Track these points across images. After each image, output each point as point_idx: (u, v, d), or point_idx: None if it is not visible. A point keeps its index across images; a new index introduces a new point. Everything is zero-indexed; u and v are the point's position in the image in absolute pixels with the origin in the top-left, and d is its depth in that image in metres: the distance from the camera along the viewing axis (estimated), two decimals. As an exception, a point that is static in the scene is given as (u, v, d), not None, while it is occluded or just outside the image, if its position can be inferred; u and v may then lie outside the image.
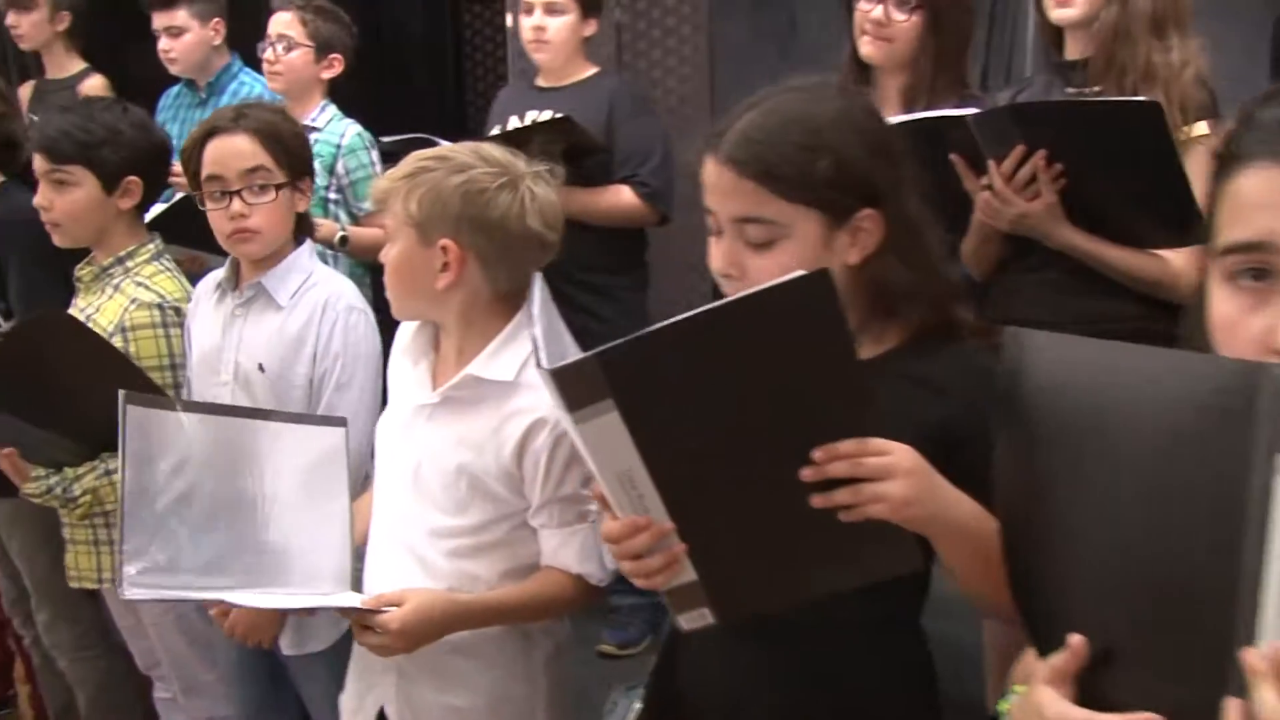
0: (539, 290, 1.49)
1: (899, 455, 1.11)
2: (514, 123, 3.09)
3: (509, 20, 4.09)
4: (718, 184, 1.29)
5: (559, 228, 1.71)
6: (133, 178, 2.27)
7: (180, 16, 3.39)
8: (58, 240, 2.28)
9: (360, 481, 1.96)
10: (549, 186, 1.69)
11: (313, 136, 2.74)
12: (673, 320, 1.05)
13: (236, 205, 2.04)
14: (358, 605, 1.68)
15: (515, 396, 1.66)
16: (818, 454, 1.08)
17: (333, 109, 3.18)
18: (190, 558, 1.73)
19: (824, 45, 3.92)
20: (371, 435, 1.89)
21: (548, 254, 1.71)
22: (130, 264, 2.28)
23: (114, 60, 3.82)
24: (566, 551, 1.69)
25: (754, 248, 1.27)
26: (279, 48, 3.11)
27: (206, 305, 2.18)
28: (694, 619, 1.23)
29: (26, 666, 3.00)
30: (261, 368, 2.07)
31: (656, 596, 3.37)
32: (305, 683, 2.19)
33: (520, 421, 1.65)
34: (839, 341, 1.08)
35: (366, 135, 3.14)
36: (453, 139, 1.94)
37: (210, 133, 2.06)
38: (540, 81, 3.17)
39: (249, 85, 3.45)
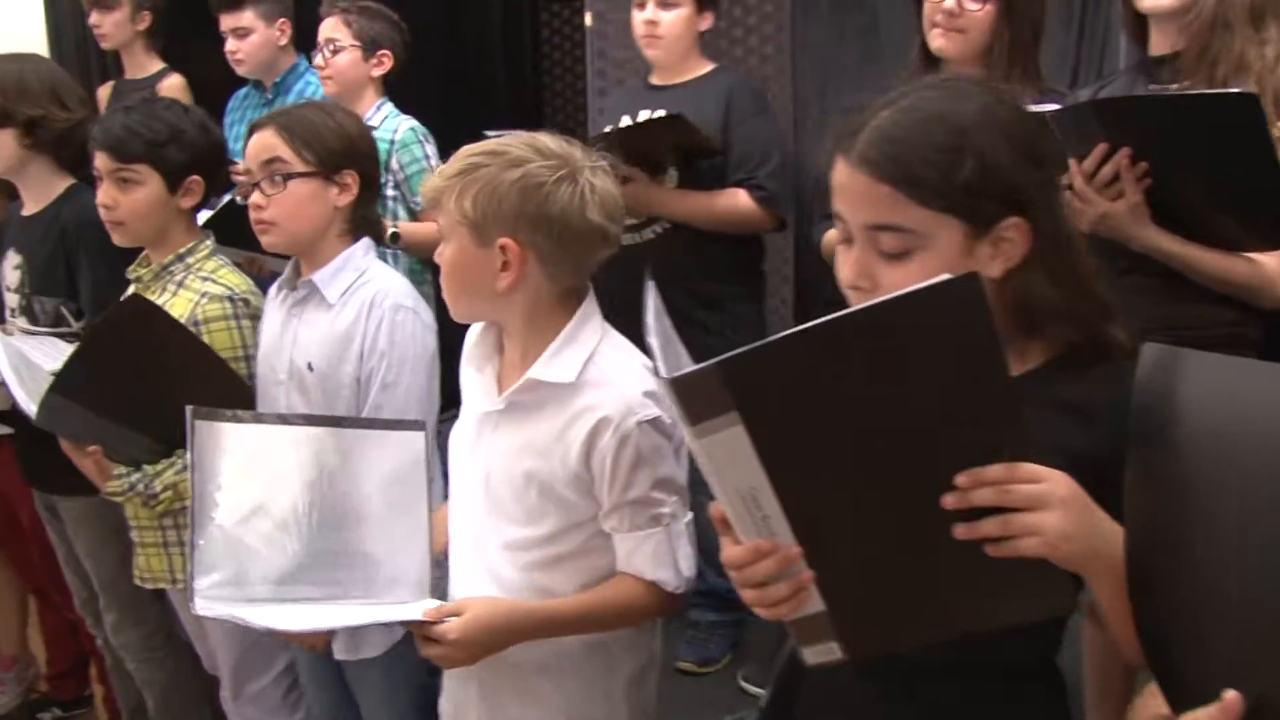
0: (653, 297, 1.40)
1: (1054, 483, 1.01)
2: (626, 123, 3.01)
3: (588, 19, 4.03)
4: (850, 188, 1.18)
5: (621, 220, 1.64)
6: (195, 177, 2.27)
7: (246, 17, 3.42)
8: (118, 239, 2.28)
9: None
10: (608, 176, 1.62)
11: (370, 135, 2.70)
12: (804, 326, 0.96)
13: (254, 196, 2.03)
14: (418, 618, 1.63)
15: (578, 397, 1.60)
16: (962, 479, 1.00)
17: (389, 106, 3.16)
18: (263, 571, 1.70)
19: (907, 45, 3.82)
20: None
21: (610, 248, 1.64)
22: (190, 260, 2.27)
23: (190, 60, 3.84)
24: (639, 557, 1.63)
25: (888, 258, 1.17)
26: (326, 51, 3.14)
27: (273, 305, 2.17)
28: (820, 653, 1.14)
29: (99, 667, 3.01)
30: (311, 367, 2.04)
31: (737, 613, 3.29)
32: (360, 689, 2.16)
33: (585, 422, 1.58)
34: (989, 354, 0.98)
35: (420, 129, 3.12)
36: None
37: (251, 130, 2.07)
38: (654, 79, 3.09)
39: (314, 85, 3.44)
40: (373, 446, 1.83)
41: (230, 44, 3.43)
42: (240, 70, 3.49)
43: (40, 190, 2.53)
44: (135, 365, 1.96)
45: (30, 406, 2.04)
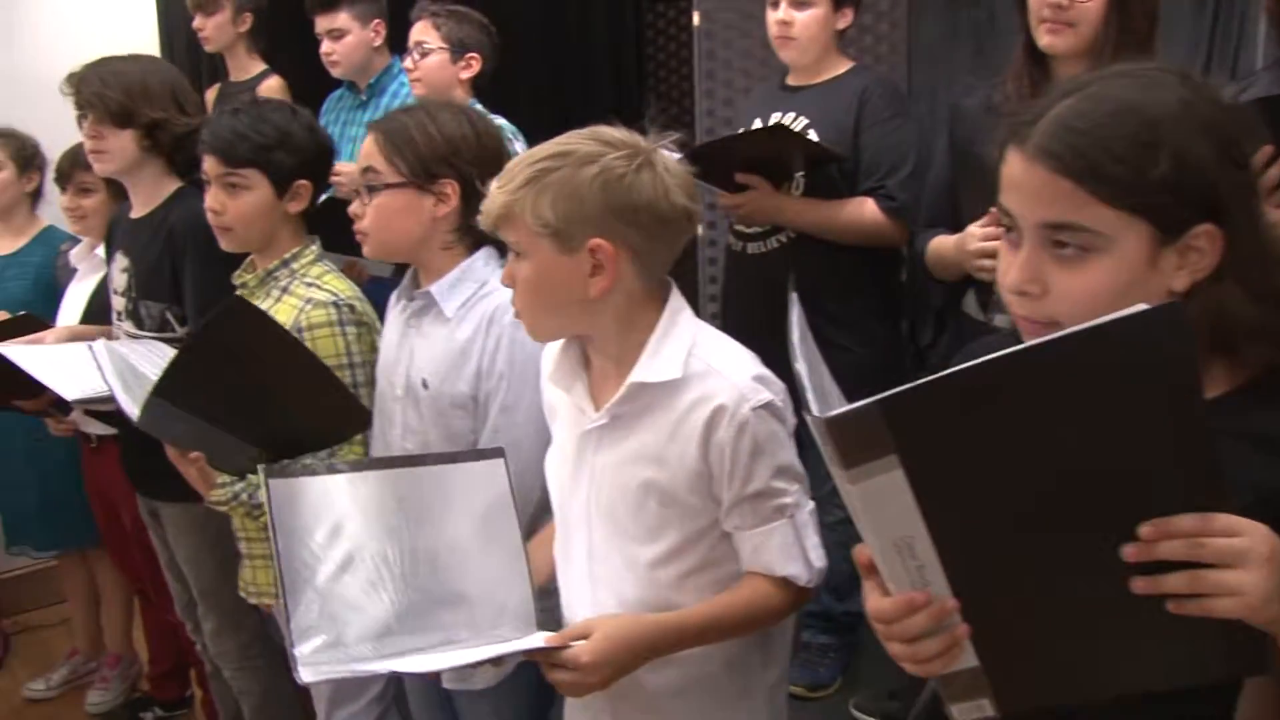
0: (798, 316, 1.29)
1: (1254, 538, 0.90)
2: (758, 125, 2.90)
3: (695, 19, 3.94)
4: (1024, 182, 1.07)
5: (699, 199, 1.54)
6: (303, 181, 2.21)
7: (341, 19, 3.41)
8: (226, 244, 2.23)
9: (533, 512, 1.81)
10: (674, 154, 1.52)
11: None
12: (975, 363, 0.88)
13: (355, 204, 1.95)
14: (541, 645, 1.54)
15: (686, 392, 1.51)
16: (1147, 529, 0.91)
17: (478, 109, 3.10)
18: (363, 627, 1.60)
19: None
20: (543, 460, 1.74)
21: (693, 229, 1.55)
22: (295, 265, 2.21)
23: (289, 62, 3.84)
24: (766, 552, 1.54)
25: (1061, 261, 1.06)
26: (416, 54, 3.13)
27: (392, 314, 2.07)
28: (970, 710, 1.05)
29: (199, 671, 3.00)
30: (425, 384, 1.94)
31: (850, 636, 3.13)
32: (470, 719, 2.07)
33: (698, 415, 1.50)
34: (1187, 392, 0.88)
35: (510, 128, 3.05)
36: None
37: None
38: (790, 80, 2.97)
39: (408, 87, 3.40)
40: (455, 481, 1.72)
41: (325, 45, 3.43)
42: (335, 72, 3.48)
43: (150, 193, 2.51)
44: (238, 371, 1.89)
45: (133, 410, 1.99)
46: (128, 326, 2.49)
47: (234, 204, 2.17)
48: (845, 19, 2.86)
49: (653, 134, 1.51)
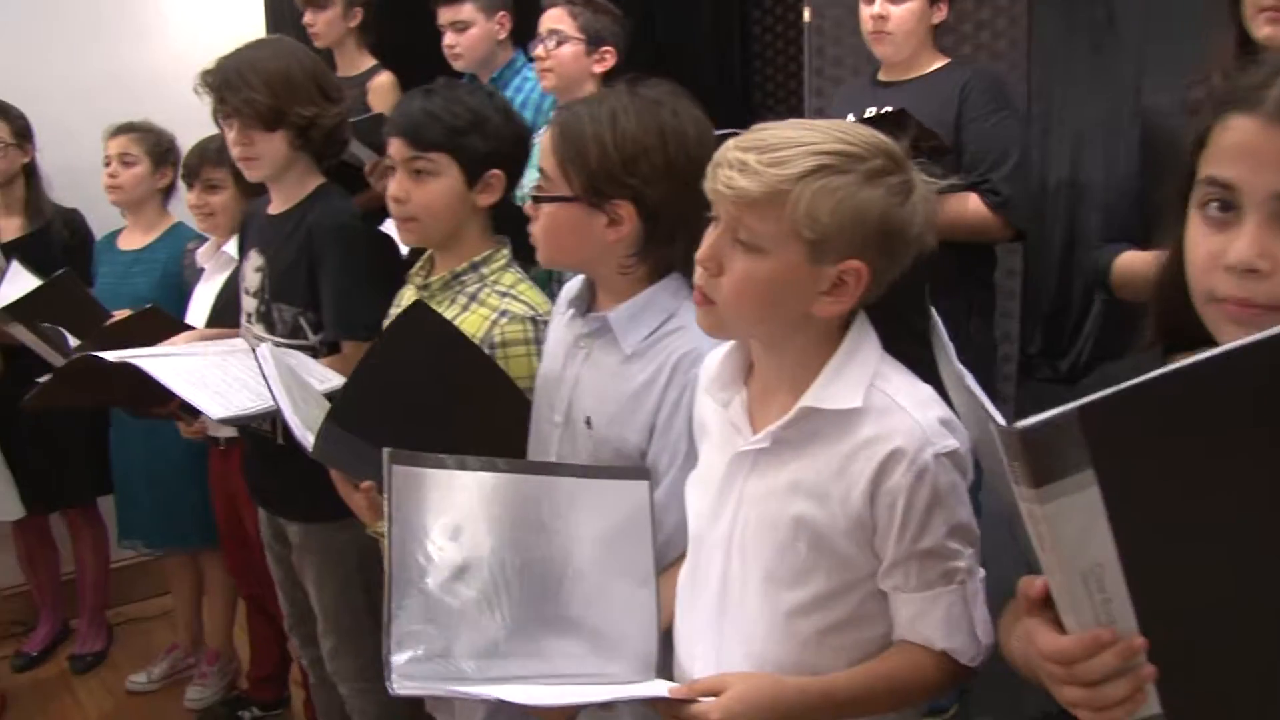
0: (942, 333, 1.20)
1: None
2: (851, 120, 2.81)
3: (806, 15, 3.85)
4: (1261, 149, 0.98)
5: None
6: (495, 171, 2.03)
7: (466, 10, 3.35)
8: (407, 238, 2.09)
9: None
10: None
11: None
12: (1188, 362, 0.78)
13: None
14: (665, 694, 1.38)
15: (862, 426, 1.34)
16: None
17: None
18: (468, 642, 1.44)
19: (1143, 38, 3.53)
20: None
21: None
22: (486, 270, 2.04)
23: (396, 57, 3.80)
24: (928, 622, 1.36)
25: None
26: (549, 43, 3.03)
27: (559, 321, 1.84)
28: None
29: (301, 673, 2.96)
30: (589, 422, 1.71)
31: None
32: None
33: (871, 455, 1.33)
34: None
35: None
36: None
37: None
38: (882, 75, 2.89)
39: (532, 81, 3.35)
40: (591, 498, 1.56)
41: (448, 38, 3.38)
42: (457, 65, 3.42)
43: (292, 190, 2.36)
44: (418, 387, 1.72)
45: (307, 437, 1.79)
46: (258, 330, 2.36)
47: (420, 191, 1.99)
48: (940, 13, 2.79)
49: (903, 144, 1.36)
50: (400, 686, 1.38)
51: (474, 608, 1.46)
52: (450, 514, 1.49)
